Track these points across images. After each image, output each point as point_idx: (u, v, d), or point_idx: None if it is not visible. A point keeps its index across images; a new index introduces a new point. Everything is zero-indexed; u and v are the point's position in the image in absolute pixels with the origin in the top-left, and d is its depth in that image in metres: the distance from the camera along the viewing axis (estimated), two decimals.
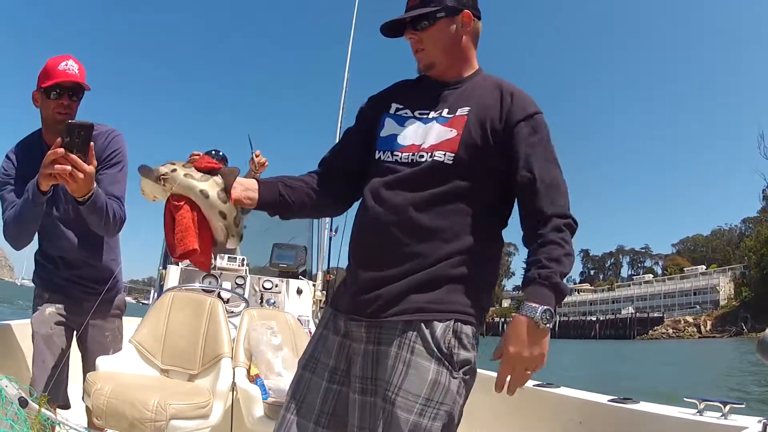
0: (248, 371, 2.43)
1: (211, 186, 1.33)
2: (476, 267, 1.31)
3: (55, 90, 1.99)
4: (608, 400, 1.99)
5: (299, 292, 3.90)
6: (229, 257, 3.86)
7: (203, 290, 3.39)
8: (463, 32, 1.41)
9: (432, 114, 1.37)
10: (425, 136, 1.35)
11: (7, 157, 2.11)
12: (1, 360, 2.46)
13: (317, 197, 1.43)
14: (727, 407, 1.64)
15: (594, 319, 72.17)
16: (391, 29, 1.43)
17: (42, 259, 2.21)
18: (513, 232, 1.43)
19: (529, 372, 1.23)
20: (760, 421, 1.40)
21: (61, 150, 1.58)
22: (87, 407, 2.11)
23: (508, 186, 1.34)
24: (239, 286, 3.72)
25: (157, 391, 2.09)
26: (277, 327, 2.62)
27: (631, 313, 67.86)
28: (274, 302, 3.69)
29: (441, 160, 1.30)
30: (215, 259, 3.66)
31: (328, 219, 4.60)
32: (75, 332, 2.21)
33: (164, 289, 3.43)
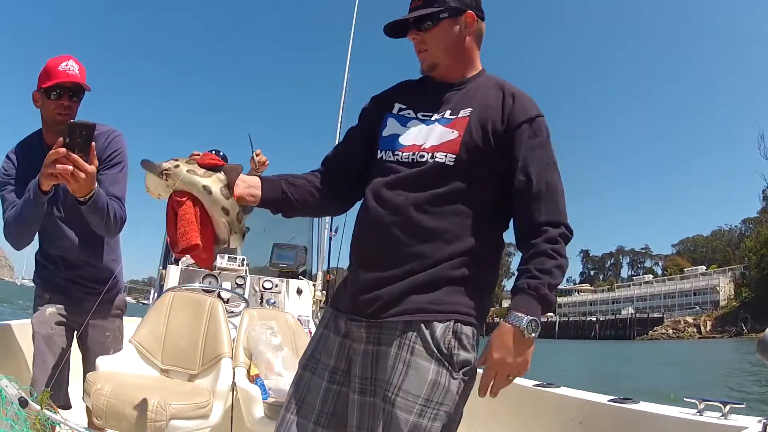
0: (248, 371, 2.43)
1: (214, 182, 1.33)
2: (476, 268, 1.31)
3: (55, 90, 1.99)
4: (608, 400, 1.99)
5: (299, 292, 3.90)
6: (229, 257, 3.86)
7: (203, 290, 3.39)
8: (467, 33, 1.40)
9: (435, 116, 1.37)
10: (427, 136, 1.34)
11: (7, 157, 2.11)
12: (1, 360, 2.46)
13: (320, 196, 1.43)
14: (727, 407, 1.64)
15: (594, 319, 72.13)
16: (395, 30, 1.43)
17: (42, 259, 2.21)
18: (513, 233, 1.43)
19: (511, 378, 1.26)
20: (760, 421, 1.39)
21: (63, 150, 1.58)
22: (87, 407, 2.11)
23: (509, 188, 1.34)
24: (239, 286, 3.72)
25: (157, 391, 2.09)
26: (277, 327, 2.62)
27: (631, 314, 67.81)
28: (274, 302, 3.69)
29: (442, 161, 1.30)
30: (217, 257, 3.66)
31: (328, 219, 4.60)
32: (75, 332, 2.21)
33: (164, 289, 3.43)
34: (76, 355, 2.26)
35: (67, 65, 1.99)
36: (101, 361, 2.20)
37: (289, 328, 2.82)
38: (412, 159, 1.33)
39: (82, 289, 2.19)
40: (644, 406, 1.87)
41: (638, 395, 2.04)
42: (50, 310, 2.14)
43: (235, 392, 2.36)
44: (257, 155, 3.24)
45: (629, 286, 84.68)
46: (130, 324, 2.49)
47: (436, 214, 1.30)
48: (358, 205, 1.45)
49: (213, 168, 1.35)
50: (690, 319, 59.75)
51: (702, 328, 57.20)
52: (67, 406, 2.16)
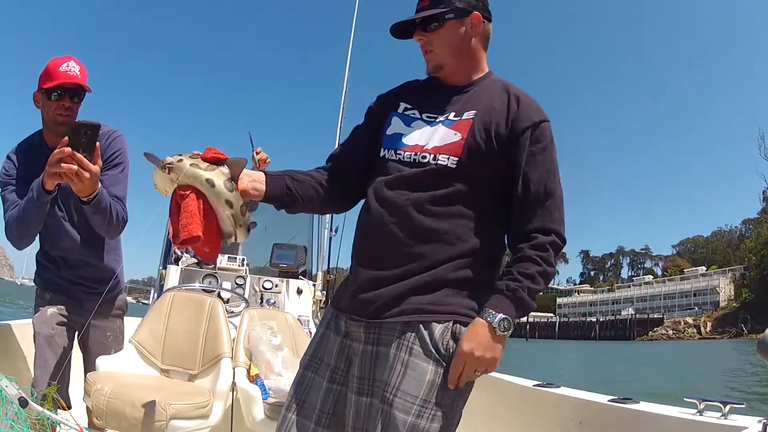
0: (248, 371, 2.43)
1: (217, 175, 1.33)
2: (476, 270, 1.31)
3: (56, 91, 1.98)
4: (608, 400, 1.98)
5: (299, 292, 3.90)
6: (229, 257, 3.87)
7: (203, 290, 3.40)
8: (472, 34, 1.39)
9: (439, 117, 1.37)
10: (430, 137, 1.34)
11: (7, 157, 2.10)
12: (1, 360, 2.45)
13: (324, 192, 1.43)
14: (727, 407, 1.64)
15: (594, 320, 72.15)
16: (401, 30, 1.43)
17: (43, 259, 2.21)
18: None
19: (478, 373, 1.25)
20: (760, 421, 1.39)
21: (68, 149, 1.58)
22: (87, 407, 2.11)
23: (510, 191, 1.33)
24: (239, 286, 3.72)
25: (157, 391, 2.09)
26: (277, 327, 2.62)
27: (631, 315, 67.83)
28: (274, 302, 3.69)
29: (444, 163, 1.30)
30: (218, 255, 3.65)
31: (328, 219, 4.61)
32: (77, 333, 2.21)
33: (164, 289, 3.43)
34: (76, 355, 2.25)
35: (68, 66, 1.98)
36: (101, 361, 2.20)
37: (289, 328, 2.82)
38: (414, 159, 1.33)
39: (83, 289, 2.19)
40: (644, 406, 1.87)
41: (638, 395, 2.04)
42: (51, 310, 2.14)
43: (235, 392, 2.36)
44: (258, 153, 3.25)
45: (629, 286, 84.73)
46: (130, 324, 2.49)
47: (436, 215, 1.30)
48: (359, 205, 1.45)
49: (216, 162, 1.35)
50: (690, 320, 59.75)
51: (702, 328, 57.20)
52: (67, 406, 2.16)
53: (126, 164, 2.12)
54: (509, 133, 1.31)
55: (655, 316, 65.10)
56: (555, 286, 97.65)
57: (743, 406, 1.65)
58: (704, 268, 76.53)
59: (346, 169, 1.46)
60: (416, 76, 1.51)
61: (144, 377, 2.37)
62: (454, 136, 1.32)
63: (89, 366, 2.24)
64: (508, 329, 1.23)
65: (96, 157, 1.63)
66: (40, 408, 1.65)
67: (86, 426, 2.08)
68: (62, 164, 1.60)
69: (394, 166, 1.35)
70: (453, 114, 1.36)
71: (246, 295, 3.65)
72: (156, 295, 3.72)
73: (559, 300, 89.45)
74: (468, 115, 1.34)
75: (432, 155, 1.32)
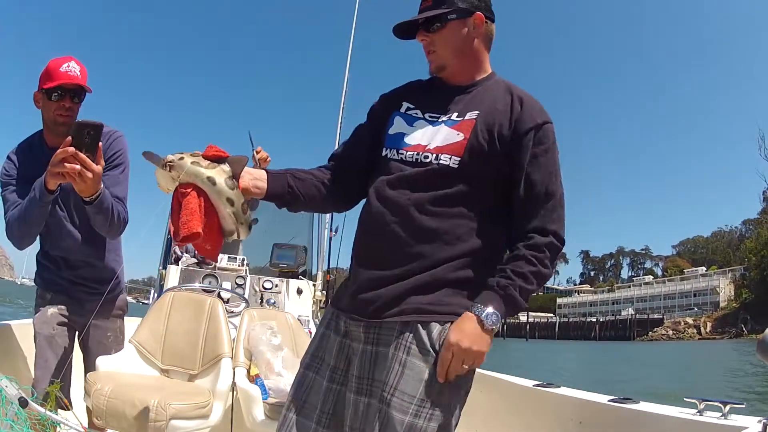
0: (248, 371, 2.43)
1: (219, 173, 1.34)
2: (477, 270, 1.30)
3: (56, 92, 1.98)
4: (608, 400, 1.98)
5: (299, 292, 3.90)
6: (229, 257, 3.87)
7: (203, 290, 3.40)
8: (475, 34, 1.39)
9: (442, 117, 1.37)
10: (432, 137, 1.34)
11: (8, 158, 2.10)
12: (1, 360, 2.45)
13: (326, 191, 1.44)
14: (727, 407, 1.64)
15: (594, 320, 72.15)
16: (404, 31, 1.42)
17: (44, 259, 2.21)
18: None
19: (466, 366, 1.23)
20: (760, 421, 1.39)
21: (72, 149, 1.58)
22: (87, 407, 2.11)
23: (511, 192, 1.33)
24: (239, 286, 3.72)
25: (157, 391, 2.09)
26: (277, 327, 2.62)
27: (631, 315, 67.83)
28: (274, 302, 3.69)
29: (446, 163, 1.30)
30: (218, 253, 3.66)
31: (328, 219, 4.61)
32: (77, 333, 2.20)
33: (164, 289, 3.43)
34: (76, 355, 2.25)
35: (68, 66, 1.98)
36: (101, 361, 2.20)
37: (289, 328, 2.82)
38: (416, 159, 1.33)
39: (83, 289, 2.19)
40: (644, 406, 1.87)
41: (638, 395, 2.04)
42: (52, 310, 2.14)
43: (235, 392, 2.36)
44: (258, 153, 3.26)
45: (629, 287, 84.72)
46: (130, 324, 2.49)
47: (437, 214, 1.30)
48: (359, 205, 1.45)
49: (218, 160, 1.36)
50: (690, 320, 59.75)
51: (702, 329, 57.18)
52: (68, 406, 2.16)
53: (126, 165, 2.12)
54: (512, 134, 1.31)
55: (655, 316, 65.09)
56: (555, 287, 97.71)
57: (743, 406, 1.65)
58: (704, 268, 76.53)
59: (348, 168, 1.46)
60: (417, 77, 1.51)
61: (144, 377, 2.37)
62: (456, 136, 1.32)
63: (89, 366, 2.24)
64: (496, 324, 1.23)
65: (99, 157, 1.63)
66: (40, 408, 1.65)
67: (86, 426, 2.08)
68: (65, 164, 1.60)
69: (396, 165, 1.35)
70: (456, 114, 1.36)
71: (246, 295, 3.65)
72: (156, 295, 3.72)
73: (559, 300, 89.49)
74: (471, 115, 1.34)
75: (434, 155, 1.31)
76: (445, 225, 1.29)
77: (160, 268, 3.95)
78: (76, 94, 2.02)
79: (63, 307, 2.15)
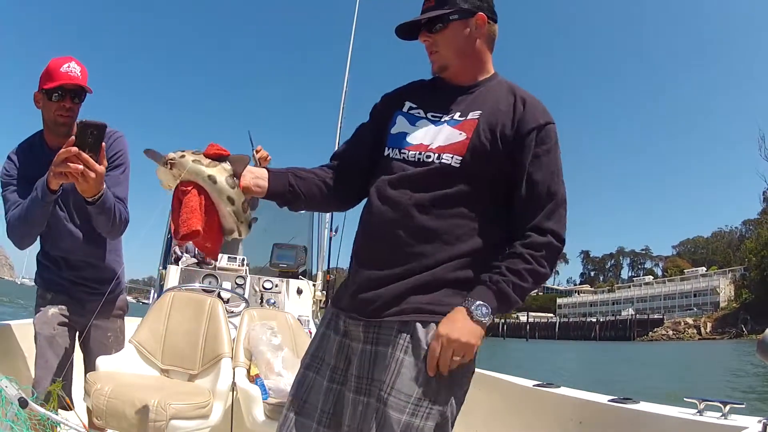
0: (248, 371, 2.43)
1: (219, 171, 1.34)
2: (477, 271, 1.30)
3: (57, 92, 1.98)
4: (608, 400, 1.98)
5: (299, 292, 3.90)
6: (229, 257, 3.87)
7: (203, 290, 3.40)
8: (477, 35, 1.39)
9: (444, 117, 1.37)
10: (434, 137, 1.34)
11: (8, 158, 2.11)
12: (1, 360, 2.45)
13: (327, 190, 1.44)
14: (727, 407, 1.64)
15: (594, 320, 72.13)
16: (406, 31, 1.42)
17: (44, 259, 2.21)
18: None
19: (456, 359, 1.23)
20: (760, 421, 1.39)
21: (75, 149, 1.58)
22: (87, 407, 2.11)
23: (512, 192, 1.33)
24: (239, 286, 3.72)
25: (157, 391, 2.09)
26: (277, 327, 2.62)
27: (632, 315, 67.79)
28: (274, 302, 3.69)
29: (448, 163, 1.30)
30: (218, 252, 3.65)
31: (328, 219, 4.61)
32: (78, 333, 2.20)
33: (164, 289, 3.43)
34: (76, 355, 2.25)
35: (68, 67, 1.98)
36: (101, 361, 2.20)
37: (289, 328, 2.82)
38: (419, 158, 1.33)
39: (84, 289, 2.19)
40: (644, 406, 1.87)
41: (638, 396, 2.04)
42: (53, 310, 2.14)
43: (235, 392, 2.36)
44: (258, 152, 3.25)
45: (629, 287, 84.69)
46: (130, 324, 2.49)
47: (438, 214, 1.30)
48: (360, 204, 1.45)
49: (219, 158, 1.36)
50: (690, 321, 59.72)
51: (702, 329, 57.16)
52: (70, 406, 2.16)
53: (127, 165, 2.13)
54: (515, 135, 1.31)
55: (655, 316, 65.06)
56: (555, 287, 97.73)
57: (743, 406, 1.65)
58: (704, 268, 76.49)
59: (350, 167, 1.46)
60: (417, 77, 1.51)
61: (144, 377, 2.37)
62: (458, 136, 1.32)
63: (89, 366, 2.24)
64: (486, 316, 1.23)
65: (102, 157, 1.64)
66: (40, 409, 1.65)
67: (86, 426, 2.08)
68: (68, 164, 1.60)
69: (399, 165, 1.35)
70: (458, 114, 1.36)
71: (246, 295, 3.65)
72: (156, 295, 3.72)
73: (559, 300, 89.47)
74: (473, 115, 1.34)
75: (436, 154, 1.31)
76: (445, 225, 1.29)
77: (160, 268, 3.95)
78: (77, 95, 2.02)
79: (64, 307, 2.15)
